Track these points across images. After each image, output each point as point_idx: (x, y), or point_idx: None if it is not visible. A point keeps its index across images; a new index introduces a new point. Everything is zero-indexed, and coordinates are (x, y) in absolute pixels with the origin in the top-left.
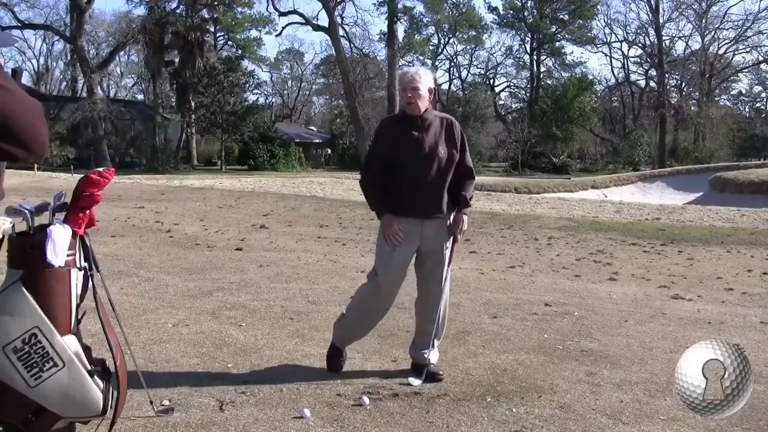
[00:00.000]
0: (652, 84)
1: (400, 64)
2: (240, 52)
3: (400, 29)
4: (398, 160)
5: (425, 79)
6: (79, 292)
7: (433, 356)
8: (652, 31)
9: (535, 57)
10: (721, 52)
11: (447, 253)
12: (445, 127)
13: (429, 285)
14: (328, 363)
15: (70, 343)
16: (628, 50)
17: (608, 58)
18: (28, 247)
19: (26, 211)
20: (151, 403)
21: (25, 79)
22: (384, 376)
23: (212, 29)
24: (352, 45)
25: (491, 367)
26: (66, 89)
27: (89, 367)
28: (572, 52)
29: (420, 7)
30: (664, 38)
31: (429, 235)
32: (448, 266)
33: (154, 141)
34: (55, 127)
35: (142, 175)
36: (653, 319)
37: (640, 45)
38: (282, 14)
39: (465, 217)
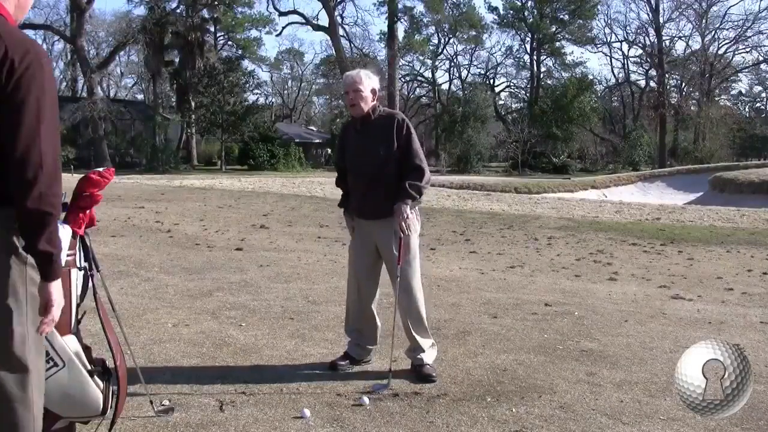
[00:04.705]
0: (652, 84)
1: (400, 64)
2: (240, 52)
3: (400, 29)
4: (345, 163)
5: (367, 81)
6: (79, 292)
7: (428, 356)
8: (652, 31)
9: (535, 57)
10: (721, 52)
11: (396, 249)
12: (389, 126)
13: (393, 283)
14: (330, 363)
15: (70, 343)
16: (628, 50)
17: (608, 58)
18: None
19: None
20: (151, 403)
21: None
22: (384, 376)
23: (212, 29)
24: (352, 45)
25: (491, 367)
26: (66, 89)
27: (89, 367)
28: (572, 52)
29: (420, 7)
30: (664, 38)
31: (381, 235)
32: (399, 262)
33: (154, 141)
34: None
35: (142, 175)
36: (653, 319)
37: (640, 45)
38: (282, 14)
39: (403, 207)
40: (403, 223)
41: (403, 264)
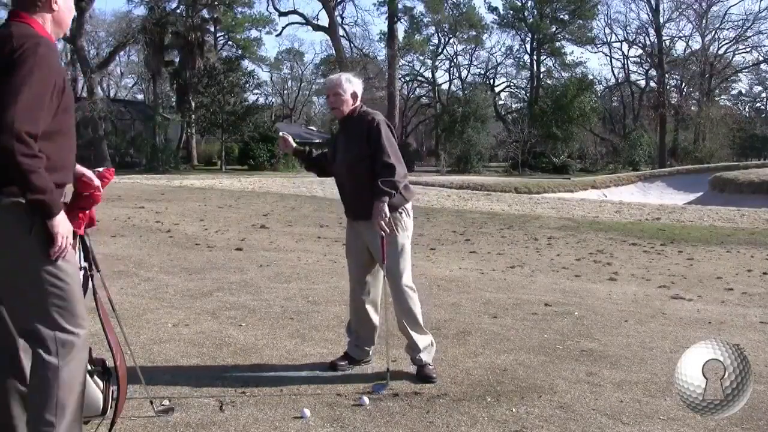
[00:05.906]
0: (652, 84)
1: (400, 64)
2: (240, 52)
3: (400, 29)
4: (328, 161)
5: (347, 86)
6: None
7: (427, 355)
8: (652, 31)
9: (535, 57)
10: (721, 52)
11: (379, 248)
12: (363, 126)
13: (386, 282)
14: (330, 363)
15: None
16: (628, 50)
17: (608, 58)
18: None
19: None
20: (151, 403)
21: None
22: (384, 377)
23: (212, 29)
24: (352, 45)
25: (491, 367)
26: None
27: (89, 367)
28: (572, 52)
29: (420, 7)
30: (664, 38)
31: (369, 235)
32: (383, 259)
33: (154, 141)
34: None
35: (142, 175)
36: (653, 319)
37: (640, 45)
38: (282, 14)
39: (380, 206)
40: (382, 222)
41: (389, 262)
